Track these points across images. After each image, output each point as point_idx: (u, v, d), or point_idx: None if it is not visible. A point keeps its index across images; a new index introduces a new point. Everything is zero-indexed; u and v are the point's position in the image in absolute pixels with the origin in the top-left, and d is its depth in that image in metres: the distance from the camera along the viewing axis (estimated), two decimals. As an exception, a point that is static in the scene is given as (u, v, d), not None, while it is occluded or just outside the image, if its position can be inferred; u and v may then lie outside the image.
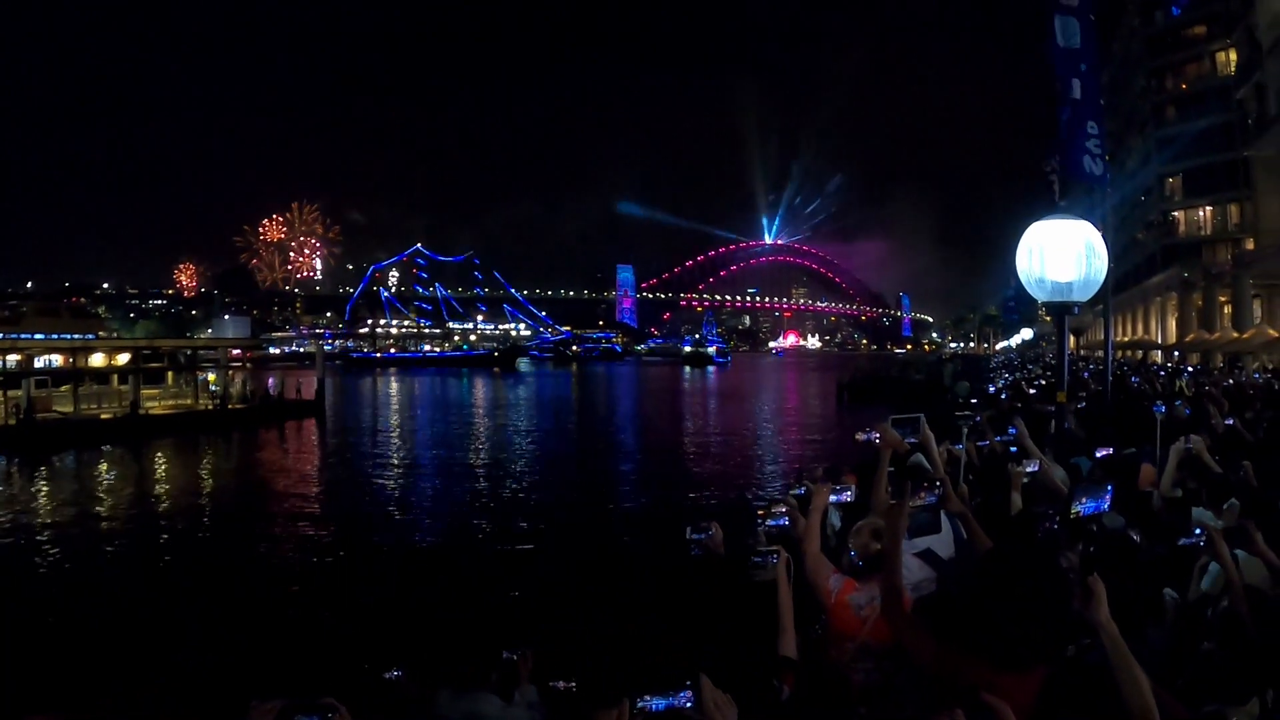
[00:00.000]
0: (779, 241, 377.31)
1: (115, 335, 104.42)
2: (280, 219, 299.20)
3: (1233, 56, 55.58)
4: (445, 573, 18.12)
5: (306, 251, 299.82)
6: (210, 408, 48.07)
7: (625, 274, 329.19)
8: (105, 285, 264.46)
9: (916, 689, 2.99)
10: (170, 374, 50.77)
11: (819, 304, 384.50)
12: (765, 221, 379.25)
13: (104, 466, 33.48)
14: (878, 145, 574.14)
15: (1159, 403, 10.70)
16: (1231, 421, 10.52)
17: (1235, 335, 40.78)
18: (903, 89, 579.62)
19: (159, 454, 36.43)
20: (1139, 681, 2.65)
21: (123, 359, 48.27)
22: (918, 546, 4.66)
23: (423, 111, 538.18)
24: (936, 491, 4.40)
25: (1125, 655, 2.71)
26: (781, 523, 4.43)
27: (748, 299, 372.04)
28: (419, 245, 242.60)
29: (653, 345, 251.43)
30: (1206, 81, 63.20)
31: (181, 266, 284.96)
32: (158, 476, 31.89)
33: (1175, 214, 69.30)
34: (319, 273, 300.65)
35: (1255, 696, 3.16)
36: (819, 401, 70.76)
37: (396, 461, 35.08)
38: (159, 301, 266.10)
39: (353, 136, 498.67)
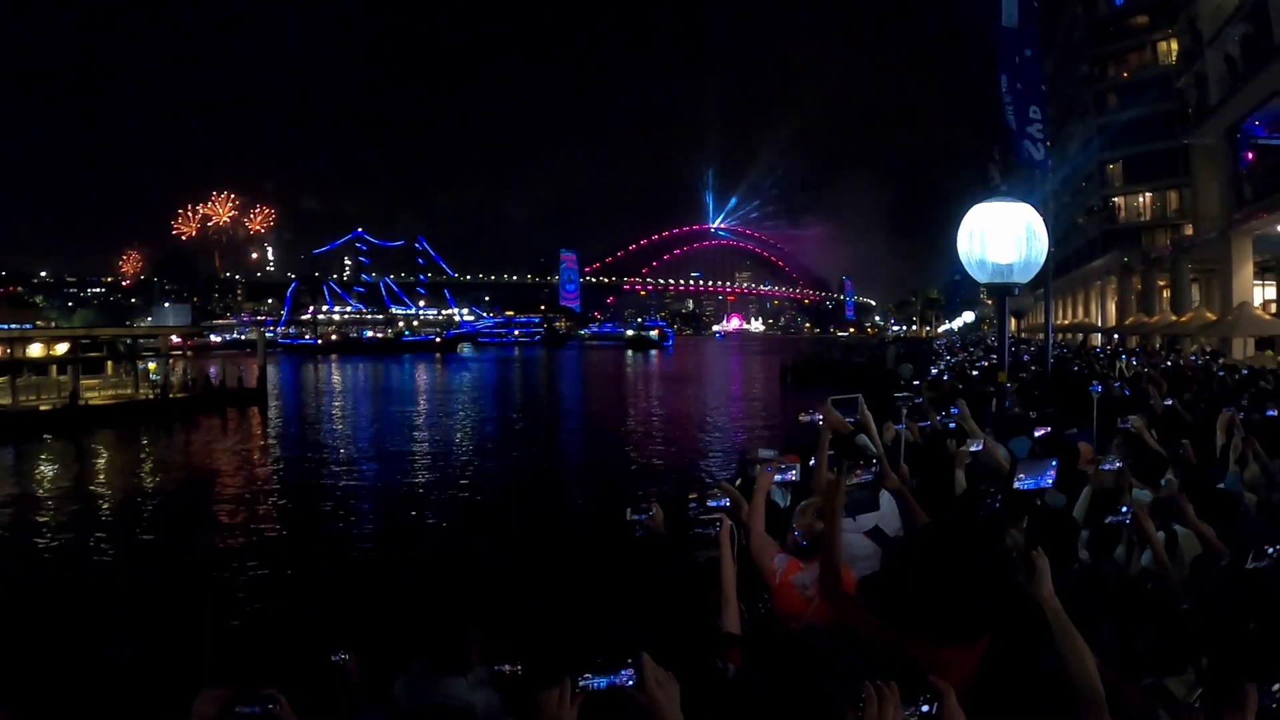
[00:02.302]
0: (723, 226, 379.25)
1: (53, 324, 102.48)
2: (226, 203, 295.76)
3: (1174, 46, 56.27)
4: (388, 557, 18.08)
5: (252, 237, 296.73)
6: (151, 397, 47.20)
7: (568, 258, 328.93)
8: (43, 273, 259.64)
9: (862, 668, 3.00)
10: (110, 363, 49.75)
11: (762, 288, 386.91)
12: (709, 206, 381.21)
13: (44, 459, 32.81)
14: (821, 130, 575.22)
15: (1095, 382, 10.87)
16: (1171, 402, 10.70)
17: (1174, 318, 41.43)
18: (846, 75, 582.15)
19: (100, 445, 35.83)
20: (1082, 654, 2.68)
21: (61, 349, 47.33)
22: (865, 525, 4.69)
23: (365, 98, 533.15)
24: (873, 470, 4.42)
25: (1068, 629, 2.73)
26: (723, 503, 4.43)
27: (691, 283, 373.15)
28: (360, 230, 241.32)
29: (595, 330, 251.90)
30: (1148, 70, 63.94)
31: (126, 256, 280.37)
32: (99, 468, 31.34)
33: (1116, 200, 70.31)
34: (270, 260, 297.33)
35: (1190, 665, 3.20)
36: (763, 384, 71.14)
37: (339, 449, 34.82)
38: (98, 290, 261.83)
39: (296, 122, 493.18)
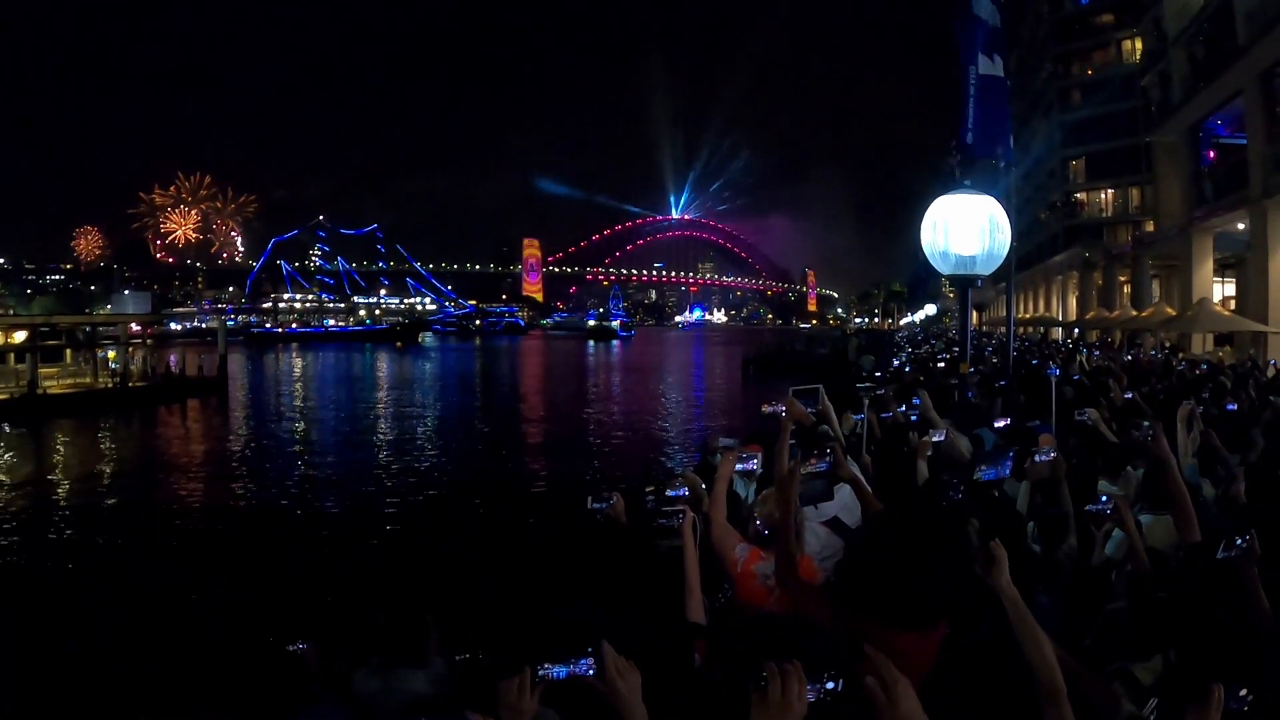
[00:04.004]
0: (686, 217, 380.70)
1: (11, 312, 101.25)
2: (201, 189, 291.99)
3: (1139, 45, 56.64)
4: (349, 547, 18.02)
5: (217, 223, 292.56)
6: (110, 386, 46.86)
7: (532, 248, 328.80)
8: (1, 260, 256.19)
9: (823, 655, 2.99)
10: (69, 352, 49.20)
11: (725, 279, 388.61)
12: (673, 197, 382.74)
13: (1, 448, 32.49)
14: (787, 122, 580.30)
15: (1053, 365, 10.97)
16: (1131, 395, 10.79)
17: (1134, 313, 41.67)
18: (811, 69, 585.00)
19: (59, 435, 35.47)
20: (1041, 644, 2.67)
21: (19, 337, 46.71)
22: (826, 514, 4.68)
23: (328, 88, 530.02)
24: (827, 459, 4.43)
25: (1027, 618, 2.73)
26: (682, 493, 4.42)
27: (654, 274, 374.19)
28: (321, 217, 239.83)
29: (558, 319, 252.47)
30: (1112, 68, 64.48)
31: (82, 230, 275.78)
32: (58, 458, 31.01)
33: (1078, 196, 70.95)
34: (239, 247, 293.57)
35: (1158, 654, 3.22)
36: (725, 375, 71.31)
37: (299, 440, 34.72)
38: (57, 277, 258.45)
39: (260, 110, 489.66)
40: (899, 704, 2.07)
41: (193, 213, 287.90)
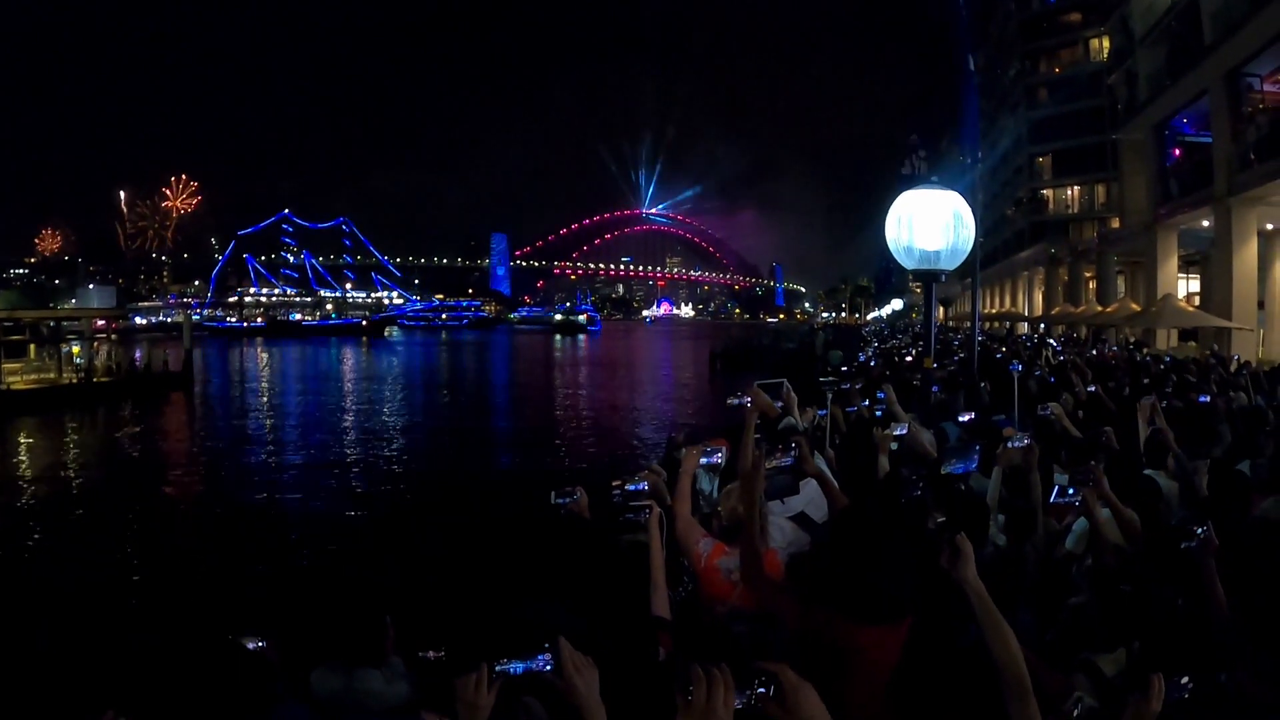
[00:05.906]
0: (654, 211, 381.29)
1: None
2: (183, 191, 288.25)
3: (1106, 43, 57.05)
4: (313, 543, 17.95)
5: (176, 216, 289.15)
6: (75, 381, 46.17)
7: (499, 242, 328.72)
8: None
9: (789, 650, 2.98)
10: (32, 347, 48.44)
11: (693, 273, 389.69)
12: (641, 191, 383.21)
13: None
14: (755, 117, 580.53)
15: (1015, 362, 11.03)
16: (1094, 389, 10.86)
17: (1099, 309, 41.95)
18: (780, 65, 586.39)
19: (22, 432, 35.11)
20: (1007, 639, 2.67)
21: (-18, 331, 46.20)
22: (792, 509, 4.68)
23: (296, 80, 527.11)
24: (792, 454, 4.42)
25: (992, 612, 2.72)
26: (641, 487, 4.41)
27: (622, 268, 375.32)
28: (286, 211, 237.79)
29: (524, 314, 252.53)
30: (1079, 66, 65.01)
31: (46, 224, 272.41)
32: (21, 456, 30.66)
33: (1044, 192, 71.48)
34: (213, 243, 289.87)
35: (1122, 645, 3.24)
36: (692, 370, 71.39)
37: (264, 435, 34.58)
38: (20, 271, 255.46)
39: (225, 101, 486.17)
40: (797, 711, 2.03)
41: (172, 214, 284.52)
